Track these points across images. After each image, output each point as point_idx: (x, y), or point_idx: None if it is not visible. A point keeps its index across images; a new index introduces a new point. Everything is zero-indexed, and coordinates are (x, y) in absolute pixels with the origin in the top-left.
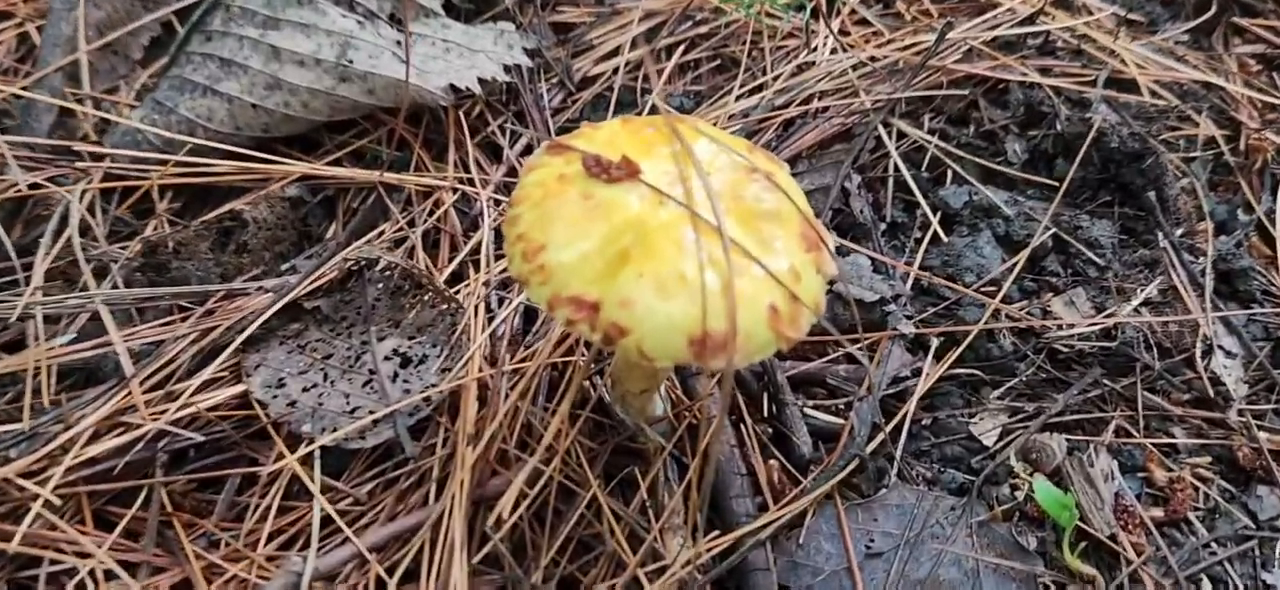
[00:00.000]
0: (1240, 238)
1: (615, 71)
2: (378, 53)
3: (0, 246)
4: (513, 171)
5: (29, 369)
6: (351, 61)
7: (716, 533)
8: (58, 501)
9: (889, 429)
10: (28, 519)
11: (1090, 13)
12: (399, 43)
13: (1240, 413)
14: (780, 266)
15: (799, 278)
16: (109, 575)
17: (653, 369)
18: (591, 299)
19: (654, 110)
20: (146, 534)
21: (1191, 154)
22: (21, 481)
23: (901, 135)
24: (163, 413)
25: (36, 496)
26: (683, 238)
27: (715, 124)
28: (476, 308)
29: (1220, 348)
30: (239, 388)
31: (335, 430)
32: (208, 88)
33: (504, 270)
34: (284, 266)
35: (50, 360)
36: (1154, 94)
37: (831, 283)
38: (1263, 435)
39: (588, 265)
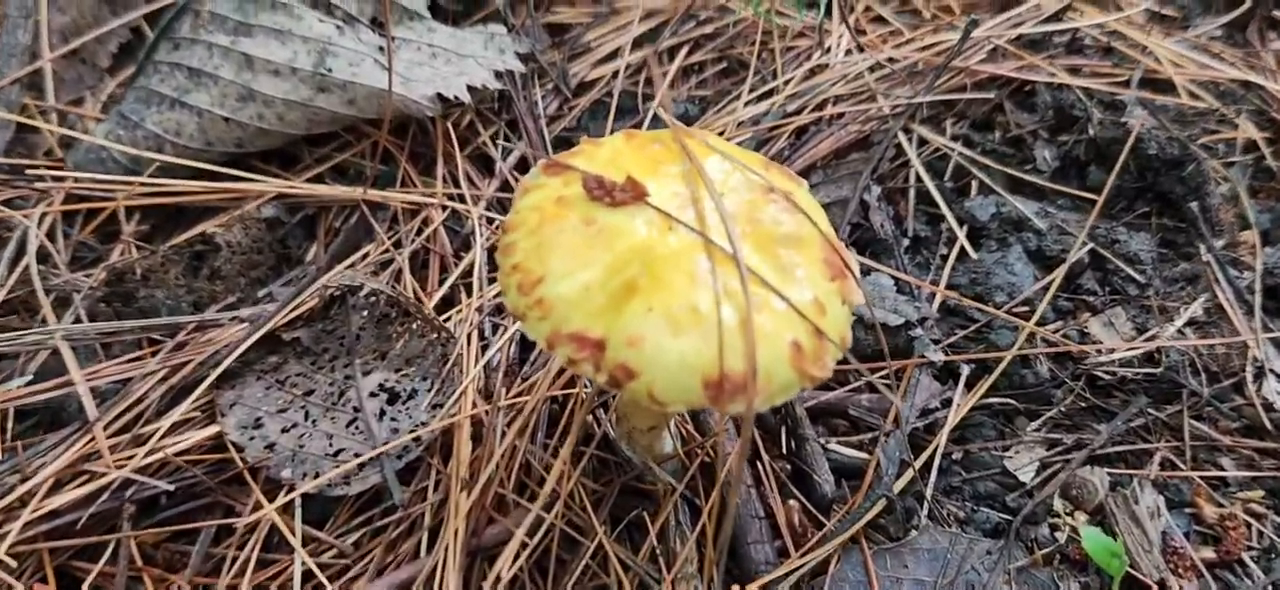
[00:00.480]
0: None
1: (615, 75)
2: (358, 60)
3: None
4: (506, 186)
5: None
6: (330, 70)
7: (734, 585)
8: (13, 563)
9: (918, 465)
10: None
11: (1120, 8)
12: (381, 49)
13: None
14: (803, 298)
15: (823, 310)
16: None
17: (661, 409)
18: (595, 336)
19: (656, 119)
20: None
21: (1231, 158)
22: None
23: (923, 142)
24: (130, 459)
25: None
26: (696, 267)
27: (722, 132)
28: (469, 336)
29: (1272, 372)
30: (213, 429)
31: (317, 475)
32: (176, 100)
33: (499, 294)
34: (261, 294)
35: (6, 403)
36: (1192, 95)
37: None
38: None
39: (590, 298)
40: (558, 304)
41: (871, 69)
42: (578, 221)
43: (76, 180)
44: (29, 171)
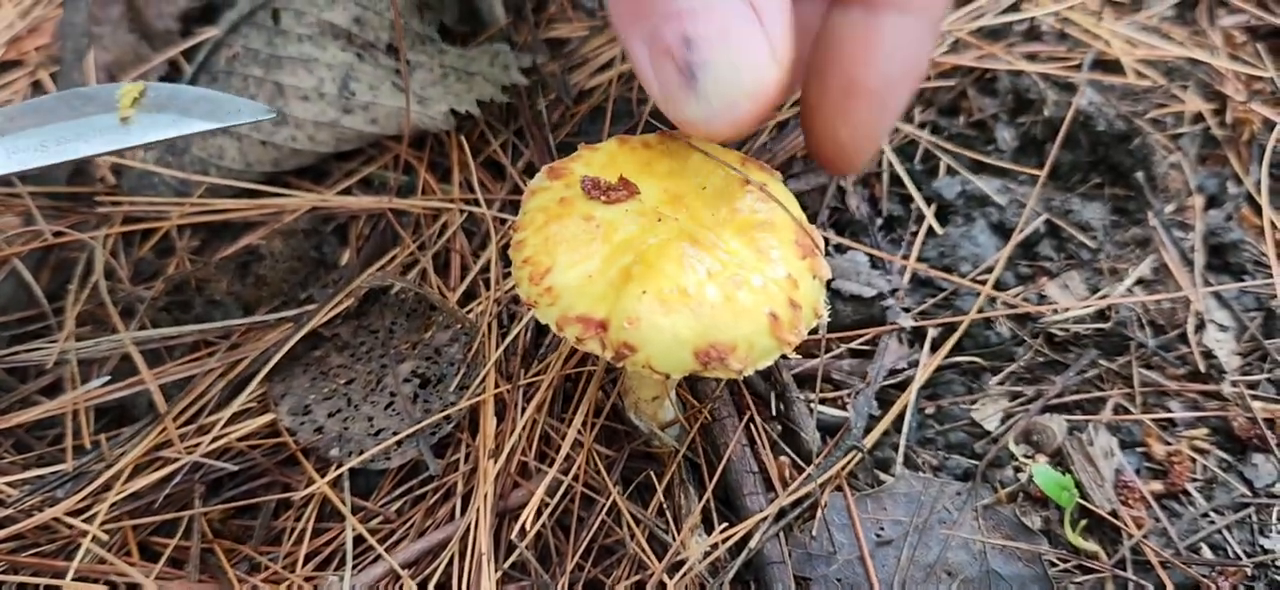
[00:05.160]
0: (1230, 210)
1: (610, 83)
2: (378, 83)
3: (31, 294)
4: (516, 189)
5: (68, 412)
6: (353, 93)
7: (724, 523)
8: (105, 536)
9: (891, 420)
10: (79, 555)
11: None
12: (398, 72)
13: (1234, 384)
14: (778, 275)
15: (796, 285)
16: None
17: (663, 379)
18: (599, 317)
19: (650, 123)
20: (190, 562)
21: (1179, 130)
22: (70, 519)
23: (894, 130)
24: (197, 445)
25: (86, 533)
26: (683, 253)
27: None
28: (490, 325)
29: (1212, 322)
30: (268, 417)
31: (361, 452)
32: (217, 127)
33: (513, 287)
34: (302, 296)
35: (87, 402)
36: (1139, 73)
37: (831, 281)
38: (1257, 404)
39: (593, 285)
40: (565, 291)
41: None
42: (579, 218)
43: (132, 203)
44: (94, 198)
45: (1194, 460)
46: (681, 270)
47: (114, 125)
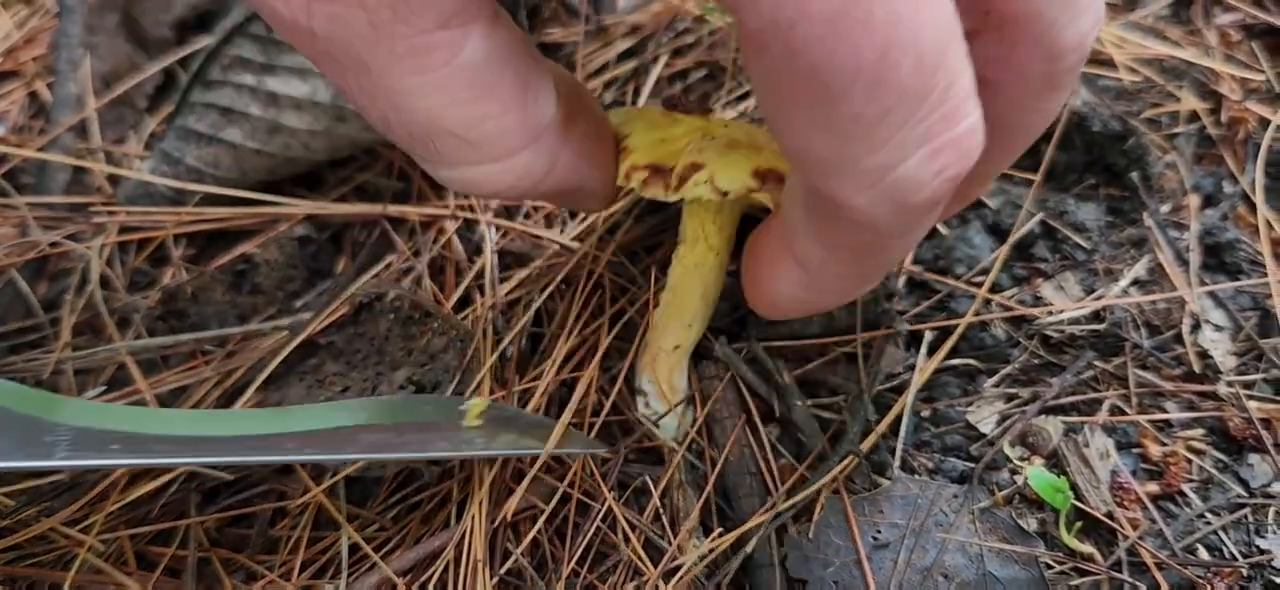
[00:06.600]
0: (1226, 210)
1: (606, 86)
2: None
3: (28, 304)
4: None
5: None
6: (347, 101)
7: (718, 528)
8: (102, 546)
9: (888, 424)
10: (76, 566)
11: None
12: None
13: (1229, 384)
14: None
15: None
16: None
17: (707, 260)
18: (666, 166)
19: None
20: (187, 571)
21: (1175, 130)
22: (67, 530)
23: None
24: None
25: (82, 543)
26: (737, 136)
27: None
28: (485, 332)
29: (1208, 322)
30: None
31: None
32: (212, 136)
33: (508, 293)
34: (297, 304)
35: None
36: (1133, 72)
37: None
38: (1252, 404)
39: (662, 147)
40: (636, 148)
41: None
42: (660, 108)
43: (128, 213)
44: (90, 209)
45: (1190, 461)
46: (737, 145)
47: (461, 435)
